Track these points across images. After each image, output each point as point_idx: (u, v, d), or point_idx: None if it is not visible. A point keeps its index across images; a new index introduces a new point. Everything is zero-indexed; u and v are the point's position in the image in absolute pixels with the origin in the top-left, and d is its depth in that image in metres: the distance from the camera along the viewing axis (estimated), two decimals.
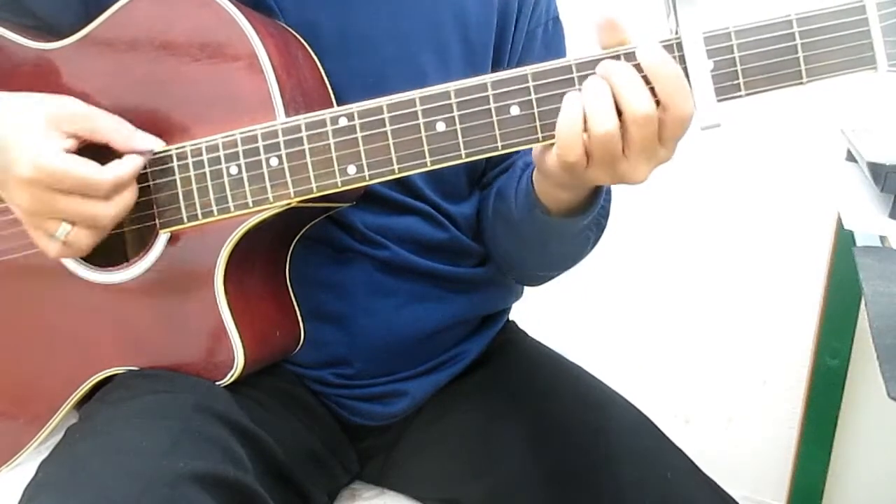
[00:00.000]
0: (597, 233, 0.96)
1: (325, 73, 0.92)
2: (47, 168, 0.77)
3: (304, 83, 0.87)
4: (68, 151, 0.79)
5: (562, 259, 1.01)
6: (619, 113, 0.71)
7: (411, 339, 1.00)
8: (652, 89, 0.71)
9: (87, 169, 0.78)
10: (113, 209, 0.81)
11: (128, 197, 0.82)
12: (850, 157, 1.43)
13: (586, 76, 0.73)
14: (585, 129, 0.72)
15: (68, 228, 0.80)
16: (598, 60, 0.73)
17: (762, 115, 1.65)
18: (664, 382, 1.95)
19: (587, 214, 0.88)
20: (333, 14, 0.93)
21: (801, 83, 0.70)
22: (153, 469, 0.71)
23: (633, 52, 0.72)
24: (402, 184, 0.95)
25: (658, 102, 0.71)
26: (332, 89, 0.92)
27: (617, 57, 0.73)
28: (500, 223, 0.99)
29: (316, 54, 0.91)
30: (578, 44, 1.05)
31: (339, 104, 0.90)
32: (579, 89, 0.73)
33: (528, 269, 1.08)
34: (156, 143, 0.85)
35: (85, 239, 0.82)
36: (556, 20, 1.07)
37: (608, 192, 0.91)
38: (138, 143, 0.83)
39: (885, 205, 1.14)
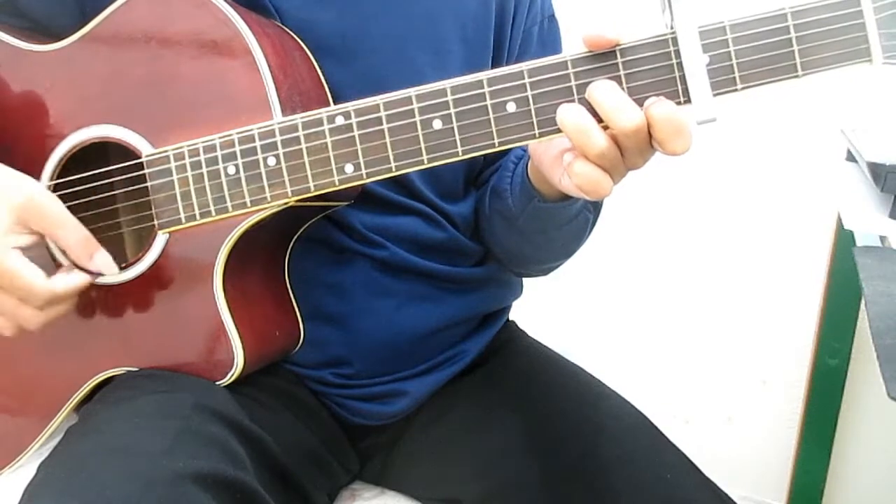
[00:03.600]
0: (595, 212, 0.97)
1: (323, 73, 0.92)
2: None
3: (301, 82, 0.87)
4: (27, 247, 0.80)
5: (563, 246, 1.02)
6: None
7: (411, 339, 1.00)
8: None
9: (32, 278, 0.79)
10: (41, 318, 0.83)
11: (61, 308, 0.84)
12: (850, 157, 1.43)
13: (581, 72, 0.73)
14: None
15: None
16: (594, 56, 0.73)
17: (762, 114, 1.66)
18: (664, 382, 1.95)
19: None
20: (331, 14, 0.93)
21: (797, 76, 0.70)
22: (153, 469, 0.71)
23: (627, 49, 0.73)
24: (400, 183, 0.96)
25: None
26: (331, 90, 0.92)
27: (612, 54, 0.73)
28: (499, 220, 0.99)
29: (312, 55, 0.91)
30: (574, 41, 1.06)
31: (336, 104, 0.90)
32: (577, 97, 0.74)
33: (530, 262, 1.08)
34: (111, 269, 0.86)
35: (7, 329, 0.84)
36: (552, 18, 1.08)
37: None
38: (94, 265, 0.85)
39: (885, 205, 1.14)
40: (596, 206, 0.96)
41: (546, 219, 0.91)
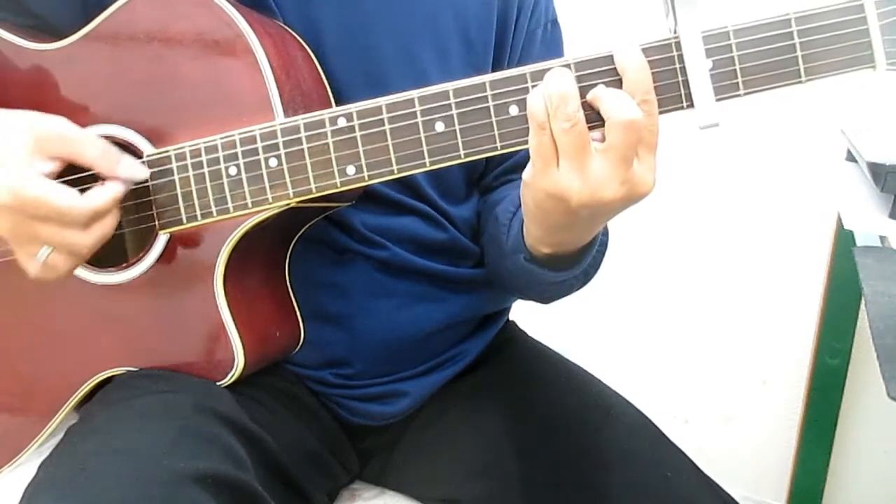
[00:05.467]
0: (583, 281, 0.96)
1: (325, 71, 0.92)
2: (25, 196, 0.76)
3: (303, 83, 0.87)
4: (51, 174, 0.79)
5: (543, 297, 1.01)
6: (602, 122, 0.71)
7: (411, 339, 1.01)
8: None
9: (65, 198, 0.77)
10: (90, 238, 0.80)
11: (107, 224, 0.82)
12: (850, 157, 1.43)
13: (584, 76, 0.73)
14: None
15: (48, 252, 0.80)
16: (597, 60, 0.73)
17: (762, 115, 1.65)
18: (664, 382, 1.95)
19: (571, 271, 0.88)
20: (334, 12, 0.93)
21: (800, 82, 0.70)
22: (153, 469, 0.71)
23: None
24: (403, 182, 0.95)
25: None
26: (332, 87, 0.92)
27: (611, 58, 0.73)
28: (494, 248, 0.98)
29: (316, 52, 0.91)
30: (576, 46, 1.05)
31: (339, 103, 0.90)
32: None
33: (514, 294, 1.09)
34: (141, 172, 0.84)
35: (64, 263, 0.81)
36: (555, 22, 1.07)
37: (599, 250, 0.91)
38: (122, 171, 0.82)
39: (885, 205, 1.14)
40: (586, 275, 0.95)
41: (529, 275, 0.90)
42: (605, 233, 0.91)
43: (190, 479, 0.71)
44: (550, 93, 0.70)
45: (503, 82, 0.75)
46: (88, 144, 0.81)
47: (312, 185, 0.81)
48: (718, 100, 0.71)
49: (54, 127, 0.81)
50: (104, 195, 0.80)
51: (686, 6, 0.69)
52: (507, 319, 1.19)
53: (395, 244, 0.98)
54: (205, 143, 0.83)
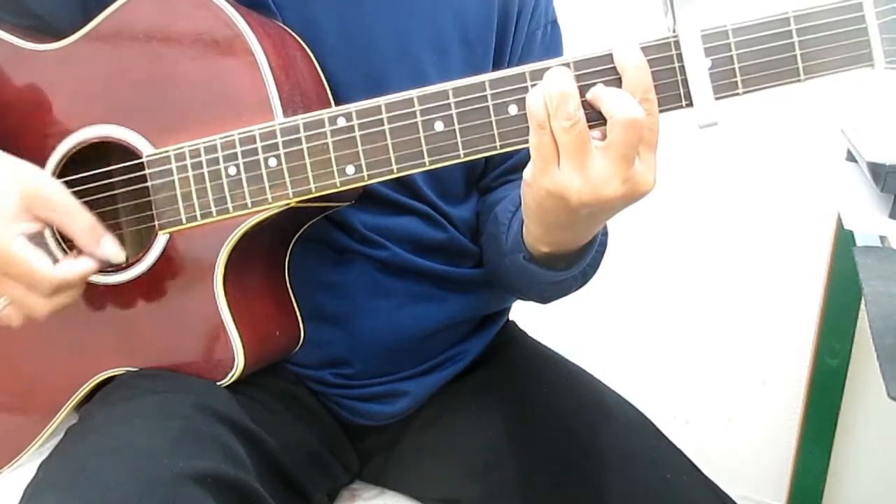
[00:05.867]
0: (582, 281, 0.96)
1: (325, 71, 0.92)
2: (5, 254, 0.77)
3: (303, 83, 0.87)
4: (33, 235, 0.79)
5: (542, 297, 1.02)
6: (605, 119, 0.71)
7: (411, 339, 1.00)
8: None
9: (38, 265, 0.78)
10: (49, 306, 0.82)
11: (70, 295, 0.83)
12: (850, 157, 1.43)
13: (584, 75, 0.73)
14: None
15: (4, 304, 0.82)
16: (596, 59, 0.73)
17: (762, 114, 1.65)
18: (664, 382, 1.95)
19: (570, 270, 0.88)
20: (332, 12, 0.93)
21: (799, 80, 0.70)
22: (153, 469, 0.71)
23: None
24: (401, 183, 0.96)
25: None
26: (332, 88, 0.92)
27: (610, 56, 0.73)
28: (494, 247, 0.98)
29: (315, 52, 0.91)
30: (575, 47, 1.05)
31: (338, 103, 0.90)
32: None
33: (512, 294, 1.09)
34: (118, 257, 0.85)
35: (16, 319, 0.83)
36: (555, 24, 1.07)
37: (598, 250, 0.91)
38: (101, 251, 0.83)
39: (885, 205, 1.14)
40: (584, 276, 0.95)
41: (527, 274, 0.91)
42: (605, 233, 0.91)
43: (190, 478, 0.71)
44: (550, 92, 0.70)
45: (502, 82, 0.75)
46: (76, 216, 0.82)
47: (312, 185, 0.81)
48: (717, 99, 0.71)
49: (45, 189, 0.81)
50: (76, 270, 0.81)
51: (685, 5, 0.69)
52: (507, 319, 1.19)
53: (395, 244, 0.98)
54: (204, 143, 0.83)
